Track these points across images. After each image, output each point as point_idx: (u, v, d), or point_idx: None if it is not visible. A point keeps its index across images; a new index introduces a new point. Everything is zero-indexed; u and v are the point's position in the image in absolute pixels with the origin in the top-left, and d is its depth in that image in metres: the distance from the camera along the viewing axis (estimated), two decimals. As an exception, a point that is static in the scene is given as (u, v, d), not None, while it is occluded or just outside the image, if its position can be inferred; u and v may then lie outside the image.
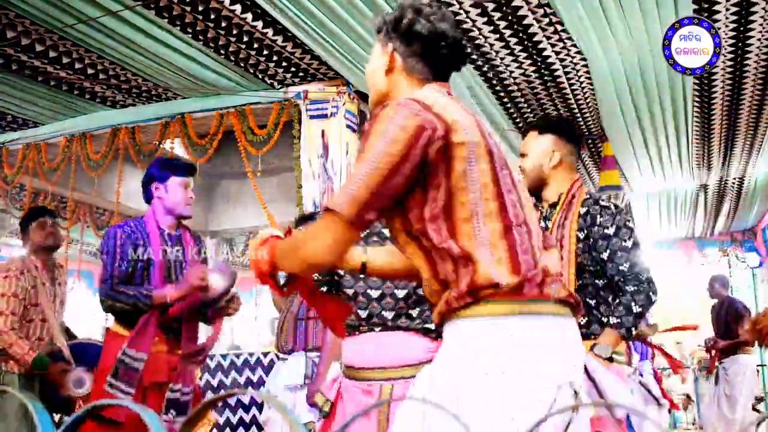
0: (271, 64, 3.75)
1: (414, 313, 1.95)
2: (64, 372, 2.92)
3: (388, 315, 1.94)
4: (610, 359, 2.01)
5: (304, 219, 3.18)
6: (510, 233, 1.23)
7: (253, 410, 3.93)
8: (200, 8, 3.13)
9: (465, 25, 3.28)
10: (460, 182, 1.22)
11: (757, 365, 6.38)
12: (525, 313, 1.20)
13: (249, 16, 3.18)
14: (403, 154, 1.20)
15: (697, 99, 4.19)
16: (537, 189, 2.16)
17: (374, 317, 1.94)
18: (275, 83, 4.00)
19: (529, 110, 4.45)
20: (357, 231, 1.25)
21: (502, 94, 4.15)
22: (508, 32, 3.36)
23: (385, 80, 1.41)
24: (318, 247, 1.24)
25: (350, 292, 1.98)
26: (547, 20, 3.25)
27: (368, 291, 1.96)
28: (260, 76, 3.91)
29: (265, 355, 4.03)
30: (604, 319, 2.08)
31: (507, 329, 1.19)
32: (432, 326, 1.94)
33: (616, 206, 2.16)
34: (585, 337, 2.00)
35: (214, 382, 4.08)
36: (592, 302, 2.13)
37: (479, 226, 1.22)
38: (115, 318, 2.47)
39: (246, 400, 3.92)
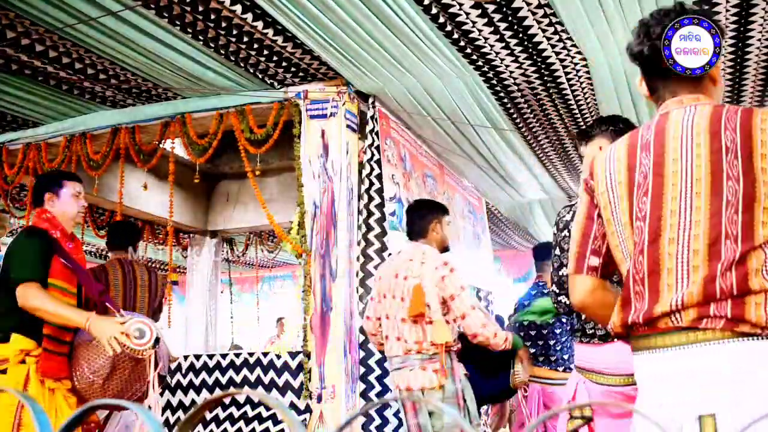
0: (271, 64, 3.75)
1: None
2: None
3: None
4: None
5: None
6: None
7: (246, 407, 3.94)
8: (200, 8, 3.12)
9: (465, 26, 3.28)
10: None
11: None
12: None
13: (249, 16, 3.18)
14: None
15: (697, 99, 4.19)
16: None
17: None
18: (275, 83, 4.00)
19: (529, 110, 4.45)
20: None
21: (502, 94, 4.15)
22: (508, 33, 3.36)
23: (655, 104, 1.53)
24: None
25: None
26: (547, 20, 3.25)
27: None
28: (260, 76, 3.91)
29: (265, 355, 4.03)
30: None
31: None
32: None
33: None
34: None
35: (210, 381, 4.09)
36: None
37: None
38: None
39: (242, 398, 3.93)
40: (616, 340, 2.18)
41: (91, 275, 2.91)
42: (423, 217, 3.17)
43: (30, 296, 2.55)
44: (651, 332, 1.32)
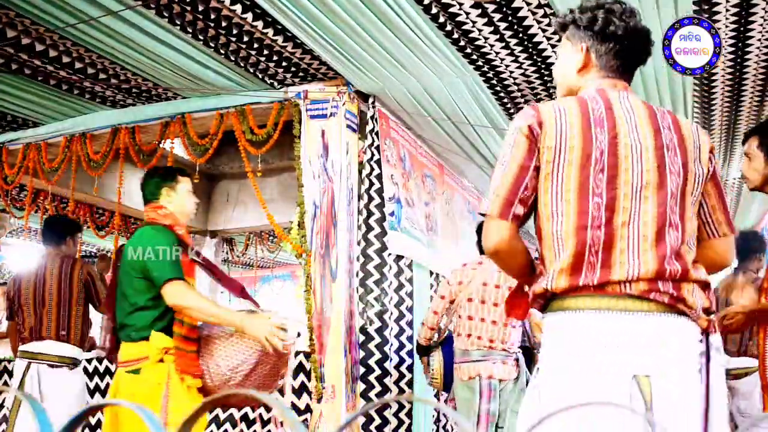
0: (271, 64, 3.75)
1: None
2: None
3: None
4: None
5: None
6: None
7: (247, 408, 3.93)
8: (200, 8, 3.13)
9: (465, 26, 3.28)
10: None
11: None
12: None
13: (249, 15, 3.19)
14: None
15: (697, 99, 4.19)
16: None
17: None
18: (275, 83, 4.00)
19: (529, 110, 4.45)
20: None
21: (502, 94, 4.15)
22: (508, 33, 3.36)
23: (577, 77, 1.64)
24: None
25: None
26: (547, 20, 3.25)
27: None
28: (260, 76, 3.91)
29: (265, 355, 4.02)
30: None
31: None
32: None
33: None
34: None
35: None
36: None
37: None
38: None
39: None
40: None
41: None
42: None
43: (182, 295, 2.45)
44: (596, 293, 1.41)
